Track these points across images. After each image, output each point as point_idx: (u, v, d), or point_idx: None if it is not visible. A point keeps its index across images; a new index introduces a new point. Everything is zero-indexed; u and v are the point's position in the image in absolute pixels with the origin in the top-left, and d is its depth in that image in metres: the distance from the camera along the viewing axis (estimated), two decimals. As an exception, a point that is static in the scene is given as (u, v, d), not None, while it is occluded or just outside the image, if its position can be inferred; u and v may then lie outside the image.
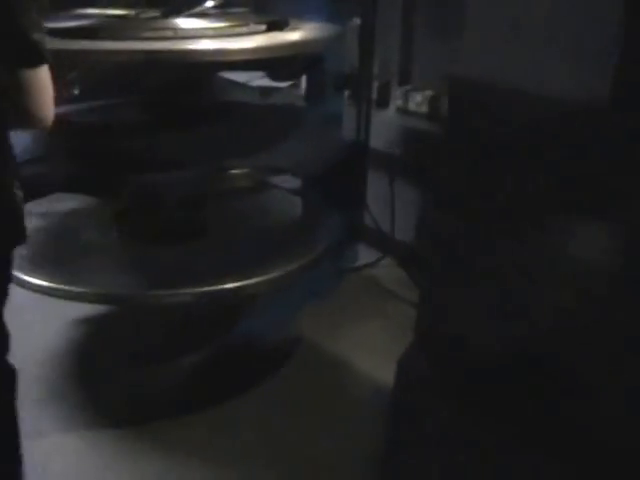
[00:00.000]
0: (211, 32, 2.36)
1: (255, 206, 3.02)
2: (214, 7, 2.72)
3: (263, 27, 2.49)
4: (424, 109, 3.33)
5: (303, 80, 3.71)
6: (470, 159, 1.71)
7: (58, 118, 2.89)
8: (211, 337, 2.96)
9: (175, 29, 2.34)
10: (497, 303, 1.68)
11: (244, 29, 2.42)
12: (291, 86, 3.75)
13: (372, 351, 2.92)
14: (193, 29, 2.36)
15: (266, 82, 3.71)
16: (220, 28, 2.39)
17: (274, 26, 2.50)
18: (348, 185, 3.12)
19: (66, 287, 2.48)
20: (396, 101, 3.41)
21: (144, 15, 2.64)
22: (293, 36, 2.44)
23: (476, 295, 1.74)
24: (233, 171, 2.37)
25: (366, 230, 3.44)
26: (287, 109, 3.08)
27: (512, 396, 1.65)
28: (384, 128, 3.32)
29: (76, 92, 3.62)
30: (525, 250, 1.62)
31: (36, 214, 2.91)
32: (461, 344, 1.76)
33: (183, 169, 2.35)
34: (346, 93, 3.11)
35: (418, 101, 3.35)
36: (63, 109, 3.05)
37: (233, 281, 2.46)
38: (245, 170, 2.39)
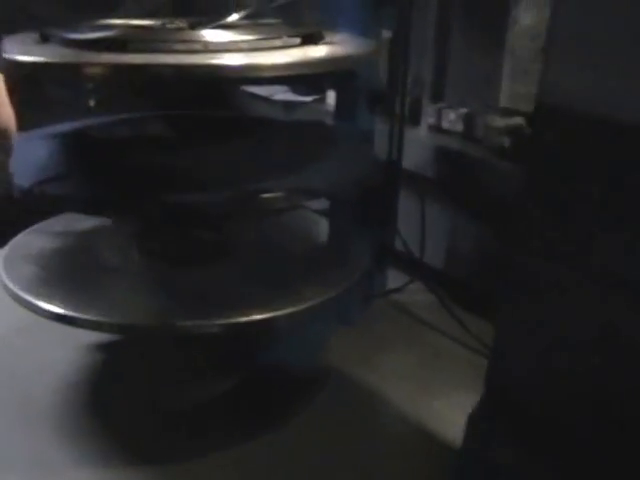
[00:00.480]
0: (244, 45, 2.21)
1: (282, 227, 2.88)
2: (244, 18, 2.59)
3: (297, 40, 2.33)
4: (458, 128, 3.18)
5: (329, 94, 3.58)
6: (563, 200, 1.54)
7: (78, 132, 2.78)
8: (235, 366, 2.80)
9: (205, 42, 2.19)
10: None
11: (278, 42, 2.27)
12: (316, 100, 3.61)
13: (405, 380, 2.79)
14: (224, 42, 2.22)
15: (289, 96, 3.58)
16: (252, 41, 2.24)
17: (309, 39, 2.36)
18: (380, 206, 2.97)
19: (82, 315, 2.32)
20: (428, 118, 3.26)
21: (170, 26, 2.51)
22: (330, 51, 2.29)
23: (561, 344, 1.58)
24: (265, 194, 2.20)
25: (394, 253, 3.28)
26: (318, 126, 2.92)
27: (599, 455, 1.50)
28: (415, 146, 3.17)
29: (92, 104, 3.50)
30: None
31: (50, 233, 2.78)
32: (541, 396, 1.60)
33: (209, 188, 2.19)
34: (379, 110, 2.95)
35: (452, 119, 3.20)
36: (80, 123, 2.95)
37: (263, 312, 2.30)
38: (276, 192, 2.22)
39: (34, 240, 2.76)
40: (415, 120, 3.26)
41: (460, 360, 2.95)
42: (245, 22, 2.58)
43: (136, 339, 2.83)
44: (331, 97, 3.56)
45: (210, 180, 2.27)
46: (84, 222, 2.79)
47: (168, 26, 2.49)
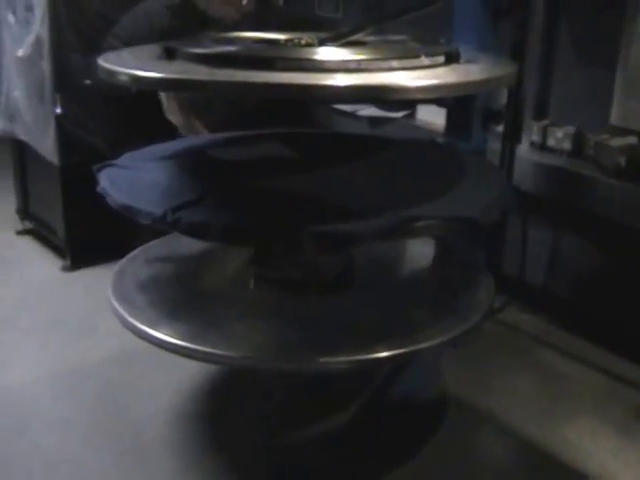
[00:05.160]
0: (395, 64, 2.09)
1: (399, 252, 2.75)
2: (369, 34, 2.48)
3: (442, 59, 2.22)
4: (566, 146, 3.08)
5: (418, 109, 3.47)
6: None
7: (199, 152, 2.64)
8: (350, 398, 2.68)
9: (359, 61, 2.07)
10: None
11: (426, 61, 2.16)
12: (407, 116, 3.50)
13: (526, 404, 2.73)
14: (376, 61, 2.10)
15: (375, 111, 3.47)
16: (403, 60, 2.12)
17: (451, 58, 2.24)
18: (493, 228, 2.85)
19: (196, 346, 2.18)
20: (531, 136, 3.15)
21: (301, 41, 2.39)
22: (482, 73, 2.18)
23: None
24: (415, 221, 2.08)
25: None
26: (438, 146, 2.80)
27: None
28: (517, 164, 3.07)
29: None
30: None
31: (160, 254, 2.65)
32: None
33: (356, 216, 2.07)
34: (493, 128, 2.84)
35: (559, 137, 3.09)
36: (199, 141, 2.82)
37: (390, 349, 2.16)
38: (426, 220, 2.10)
39: (144, 261, 2.64)
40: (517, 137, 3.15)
41: (577, 382, 2.87)
42: (374, 39, 2.47)
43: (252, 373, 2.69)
44: (421, 113, 3.46)
45: (355, 207, 2.15)
46: (193, 244, 2.65)
47: (299, 41, 2.37)
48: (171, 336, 2.22)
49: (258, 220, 2.09)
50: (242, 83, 1.91)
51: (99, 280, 2.73)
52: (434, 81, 2.01)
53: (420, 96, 2.04)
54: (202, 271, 2.64)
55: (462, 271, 2.67)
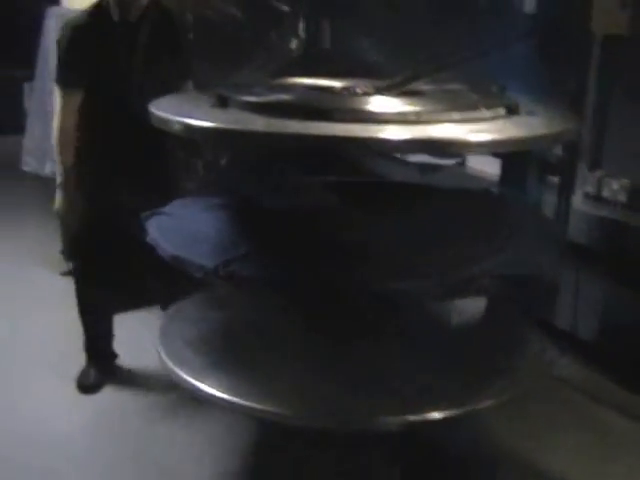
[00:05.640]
0: (456, 116, 2.04)
1: (449, 307, 2.67)
2: (425, 82, 2.43)
3: (503, 111, 2.16)
4: (621, 198, 3.00)
5: (470, 157, 3.41)
6: None
7: (245, 201, 2.60)
8: (398, 457, 2.59)
9: (418, 112, 2.02)
10: None
11: (488, 114, 2.10)
12: (458, 164, 3.44)
13: (581, 461, 2.63)
14: (435, 112, 2.05)
15: (425, 158, 3.41)
16: (464, 112, 2.07)
17: (511, 110, 2.18)
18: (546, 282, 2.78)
19: (242, 401, 2.13)
20: (586, 187, 3.08)
21: (357, 90, 2.34)
22: (545, 127, 2.12)
23: None
24: (473, 279, 2.01)
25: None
26: (491, 196, 2.74)
27: None
28: (570, 215, 3.00)
29: (222, 162, 3.36)
30: None
31: (206, 304, 2.61)
32: None
33: (419, 274, 2.01)
34: (547, 179, 2.78)
35: (614, 189, 3.01)
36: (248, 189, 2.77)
37: (442, 409, 2.09)
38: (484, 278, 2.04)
39: (191, 311, 2.59)
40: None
41: (632, 440, 2.77)
42: (430, 87, 2.42)
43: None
44: (473, 161, 3.40)
45: (409, 264, 2.09)
46: (239, 296, 2.60)
47: (355, 89, 2.33)
48: (218, 390, 2.17)
49: (310, 275, 2.04)
50: (301, 135, 1.87)
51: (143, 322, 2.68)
52: (496, 136, 1.95)
53: (482, 151, 1.98)
54: (249, 324, 2.59)
55: (513, 327, 2.59)
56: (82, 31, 2.62)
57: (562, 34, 2.78)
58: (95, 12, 2.64)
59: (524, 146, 2.10)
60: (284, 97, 2.24)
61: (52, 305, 3.68)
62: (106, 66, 2.61)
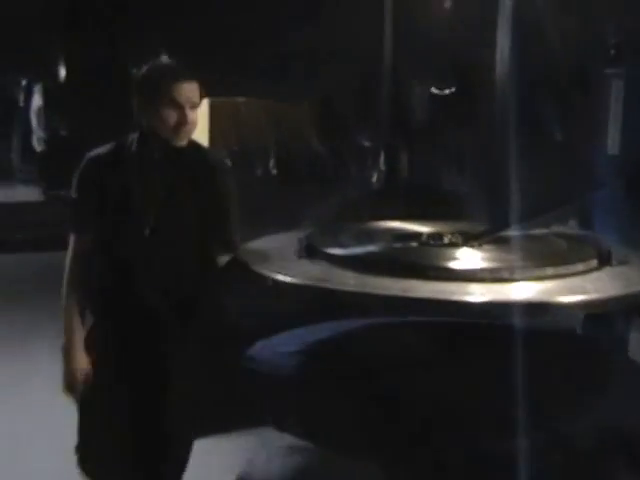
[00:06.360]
0: (549, 272, 2.01)
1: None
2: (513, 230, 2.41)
3: (595, 262, 2.12)
4: None
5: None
6: None
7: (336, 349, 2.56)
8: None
9: (511, 269, 1.99)
10: None
11: (580, 267, 2.07)
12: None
13: None
14: (527, 269, 2.02)
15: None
16: (555, 267, 2.04)
17: (604, 260, 2.14)
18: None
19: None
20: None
21: (444, 238, 2.33)
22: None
23: None
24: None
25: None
26: (576, 339, 2.67)
27: None
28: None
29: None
30: None
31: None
32: None
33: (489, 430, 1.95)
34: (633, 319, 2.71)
35: None
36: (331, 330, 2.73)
37: None
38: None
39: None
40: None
41: None
42: (516, 235, 2.39)
43: None
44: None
45: (504, 421, 2.02)
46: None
47: (444, 239, 2.31)
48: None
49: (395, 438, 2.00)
50: (395, 298, 1.86)
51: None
52: (595, 296, 1.91)
53: (582, 311, 1.94)
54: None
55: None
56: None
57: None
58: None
59: (620, 305, 2.05)
60: (371, 250, 2.24)
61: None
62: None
